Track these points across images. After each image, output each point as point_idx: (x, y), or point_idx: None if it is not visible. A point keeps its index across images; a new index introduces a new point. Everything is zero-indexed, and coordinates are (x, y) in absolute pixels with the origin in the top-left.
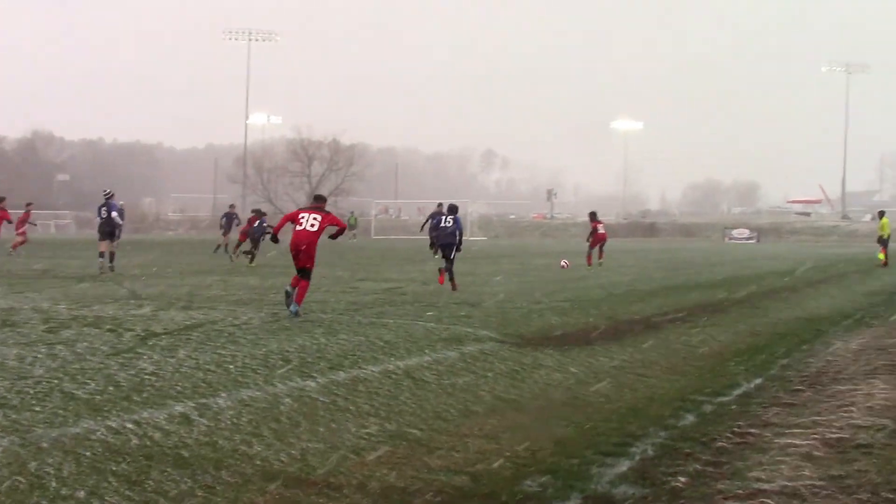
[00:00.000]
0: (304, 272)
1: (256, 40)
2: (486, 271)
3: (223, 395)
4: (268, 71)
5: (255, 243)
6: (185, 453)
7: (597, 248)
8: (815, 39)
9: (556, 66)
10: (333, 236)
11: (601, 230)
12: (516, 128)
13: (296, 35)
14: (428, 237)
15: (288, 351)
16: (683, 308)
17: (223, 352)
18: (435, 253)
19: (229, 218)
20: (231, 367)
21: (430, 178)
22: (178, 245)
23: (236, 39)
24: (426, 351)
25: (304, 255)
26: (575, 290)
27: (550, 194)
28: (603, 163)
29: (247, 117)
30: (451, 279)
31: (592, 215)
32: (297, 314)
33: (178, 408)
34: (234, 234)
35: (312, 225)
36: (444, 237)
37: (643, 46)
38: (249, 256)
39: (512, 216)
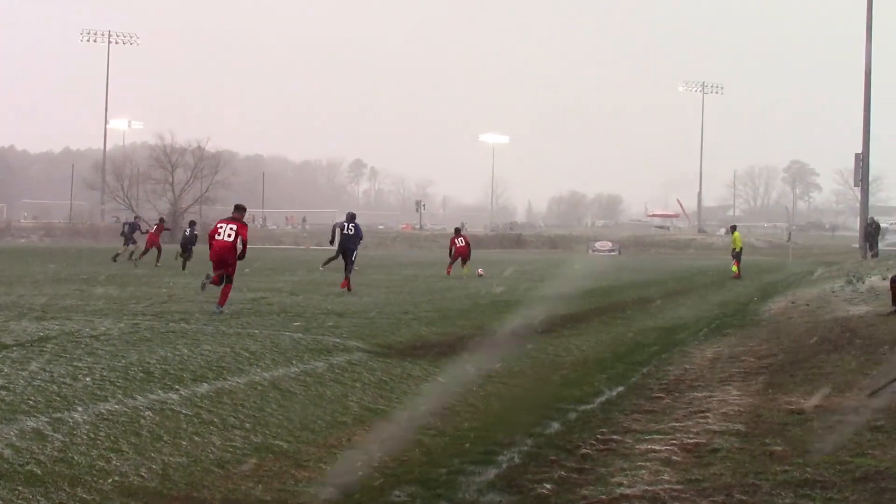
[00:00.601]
0: (226, 277)
1: (116, 42)
2: (355, 281)
3: (79, 409)
4: (129, 74)
5: (185, 249)
6: (38, 470)
7: (458, 260)
8: (674, 59)
9: (425, 78)
10: (240, 257)
11: (459, 243)
12: (385, 138)
13: (158, 38)
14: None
15: (149, 363)
16: (549, 318)
17: (80, 364)
18: (336, 257)
19: (132, 227)
20: (88, 379)
21: (299, 188)
22: (33, 253)
23: (95, 41)
24: (293, 362)
25: (223, 264)
26: (442, 300)
27: (419, 205)
28: (471, 175)
29: (106, 121)
30: (347, 279)
31: (456, 230)
32: (220, 313)
33: (31, 423)
34: (141, 244)
35: (229, 235)
36: (346, 242)
37: (509, 61)
38: (182, 261)
39: (381, 227)
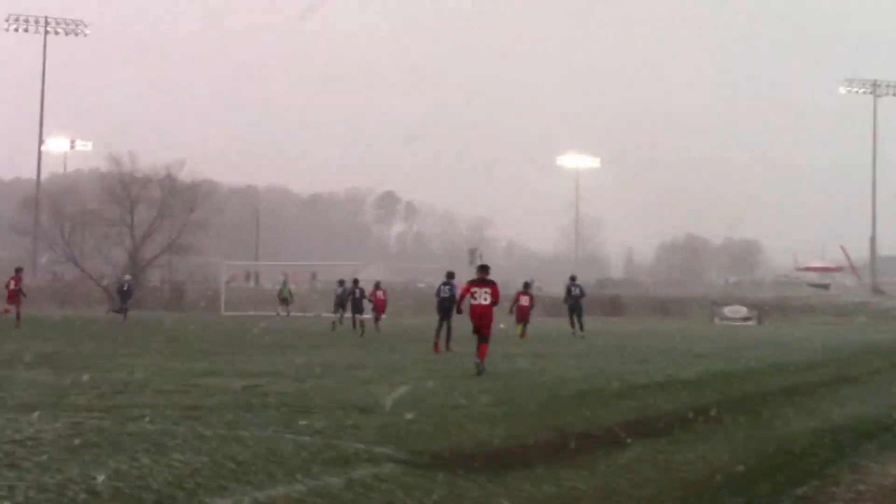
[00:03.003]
0: (484, 338)
1: (56, 32)
2: (385, 361)
3: None
4: (73, 76)
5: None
6: None
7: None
8: (830, 53)
9: (476, 84)
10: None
11: (523, 302)
12: (424, 165)
13: (113, 28)
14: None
15: (95, 479)
16: (658, 415)
17: None
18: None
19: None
20: None
21: (307, 230)
22: None
23: (26, 30)
24: (297, 476)
25: (483, 327)
26: (507, 388)
27: (474, 255)
28: (545, 213)
29: (41, 141)
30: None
31: (525, 285)
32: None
33: None
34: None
35: (485, 299)
36: (445, 304)
37: (598, 68)
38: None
39: (421, 285)
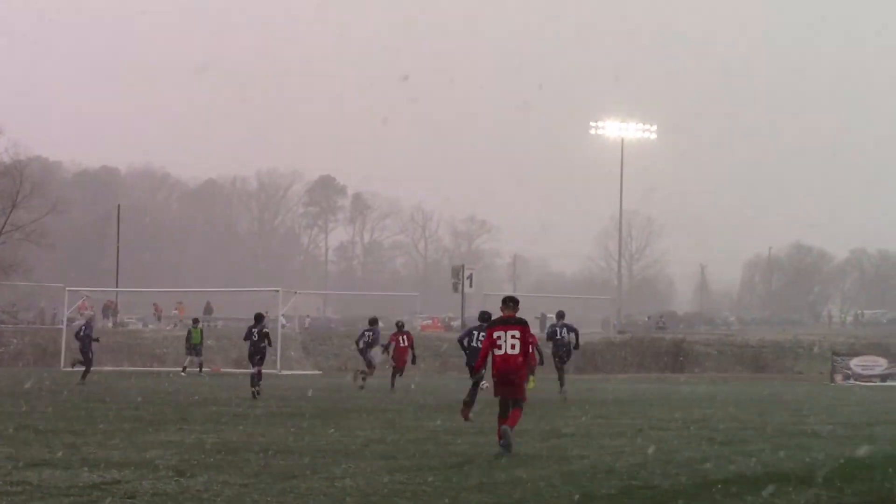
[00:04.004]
0: (515, 402)
1: None
2: (322, 442)
3: None
4: None
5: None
6: None
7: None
8: None
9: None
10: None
11: (402, 343)
12: (384, 142)
13: None
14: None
15: None
16: None
17: None
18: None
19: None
20: None
21: (196, 236)
22: None
23: None
24: None
25: (511, 385)
26: (515, 488)
27: (459, 275)
28: (572, 213)
29: None
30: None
31: (399, 326)
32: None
33: None
34: None
35: (513, 346)
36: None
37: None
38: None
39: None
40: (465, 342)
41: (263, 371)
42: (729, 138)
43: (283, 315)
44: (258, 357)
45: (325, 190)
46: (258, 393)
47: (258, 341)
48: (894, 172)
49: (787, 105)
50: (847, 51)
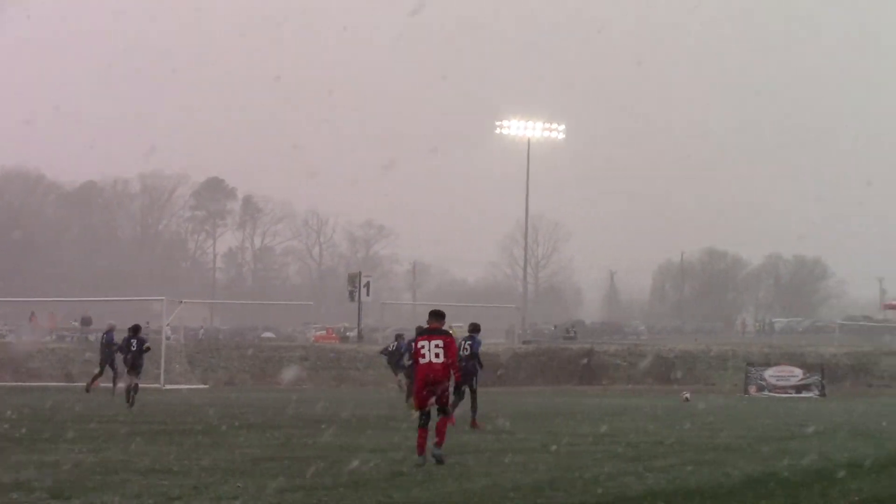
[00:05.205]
0: (441, 409)
1: None
2: (207, 461)
3: None
4: None
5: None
6: None
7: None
8: None
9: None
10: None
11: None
12: (275, 141)
13: None
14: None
15: None
16: None
17: None
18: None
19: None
20: None
21: (71, 241)
22: None
23: None
24: None
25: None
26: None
27: (356, 283)
28: (474, 215)
29: None
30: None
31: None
32: (441, 460)
33: None
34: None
35: (437, 355)
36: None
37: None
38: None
39: (268, 333)
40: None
41: (144, 385)
42: (640, 140)
43: (168, 325)
44: (134, 369)
45: (213, 193)
46: (132, 404)
47: (136, 352)
48: (812, 174)
49: (700, 105)
50: (756, 47)
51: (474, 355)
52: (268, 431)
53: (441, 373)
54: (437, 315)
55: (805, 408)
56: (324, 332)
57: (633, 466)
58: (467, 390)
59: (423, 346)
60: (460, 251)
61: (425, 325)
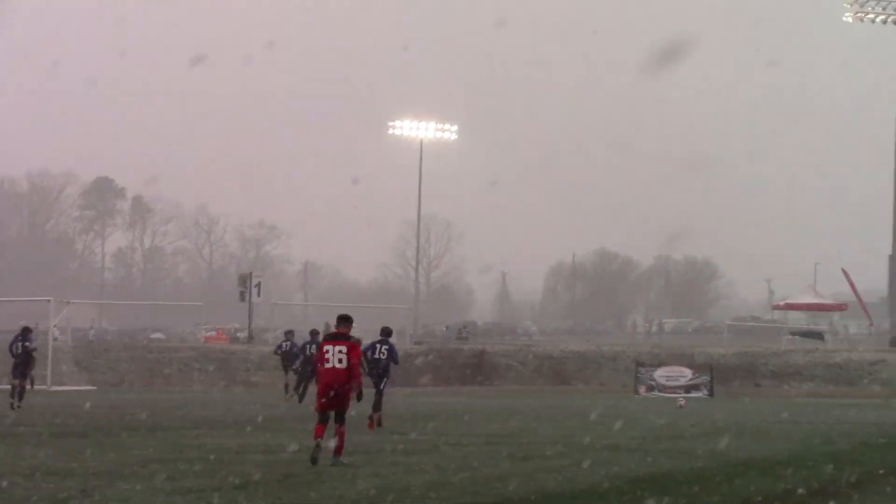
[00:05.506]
0: (338, 415)
1: None
2: (96, 465)
3: None
4: None
5: None
6: None
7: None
8: None
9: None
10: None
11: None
12: (165, 141)
13: None
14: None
15: None
16: None
17: None
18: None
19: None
20: None
21: None
22: None
23: None
24: None
25: (337, 399)
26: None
27: (247, 283)
28: (367, 218)
29: None
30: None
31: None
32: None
33: None
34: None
35: (340, 361)
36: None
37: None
38: None
39: (157, 334)
40: (369, 354)
41: (32, 387)
42: (533, 141)
43: (55, 326)
44: (22, 370)
45: (102, 192)
46: (18, 406)
47: (22, 356)
48: (701, 177)
49: (590, 106)
50: (632, 48)
51: (392, 357)
52: (157, 433)
53: (343, 378)
54: (344, 320)
55: (694, 408)
56: (214, 332)
57: (524, 467)
58: (382, 389)
59: (327, 351)
60: (353, 252)
61: (319, 329)
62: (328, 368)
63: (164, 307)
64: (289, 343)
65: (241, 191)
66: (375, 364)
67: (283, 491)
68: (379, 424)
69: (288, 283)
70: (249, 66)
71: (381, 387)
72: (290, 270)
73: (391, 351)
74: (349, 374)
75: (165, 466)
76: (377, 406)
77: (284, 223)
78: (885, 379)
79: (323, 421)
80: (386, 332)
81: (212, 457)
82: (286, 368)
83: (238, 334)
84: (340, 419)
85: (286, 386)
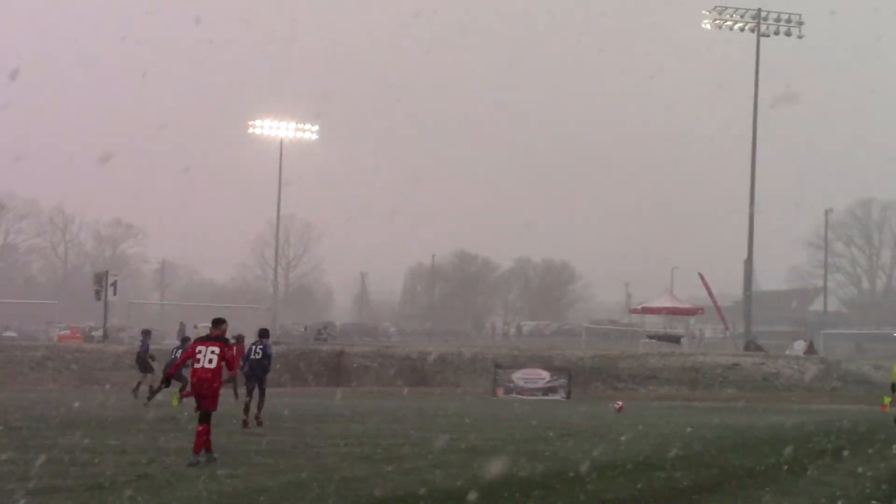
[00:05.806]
0: (204, 413)
1: None
2: None
3: None
4: None
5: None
6: None
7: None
8: None
9: None
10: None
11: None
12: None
13: None
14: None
15: None
16: None
17: None
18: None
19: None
20: None
21: None
22: None
23: None
24: None
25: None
26: None
27: (102, 282)
28: (225, 215)
29: None
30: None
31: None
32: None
33: None
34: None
35: (210, 361)
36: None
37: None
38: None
39: (9, 333)
40: (246, 355)
41: None
42: (393, 141)
43: None
44: None
45: None
46: None
47: None
48: (560, 181)
49: (455, 110)
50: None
51: (268, 357)
52: (10, 433)
53: (211, 377)
54: (217, 322)
55: (551, 410)
56: (68, 331)
57: (383, 468)
58: (257, 390)
59: (200, 351)
60: (211, 251)
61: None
62: (198, 368)
63: (17, 305)
64: (142, 341)
65: (98, 189)
66: (253, 365)
67: (138, 492)
68: (259, 424)
69: (145, 282)
70: (109, 60)
71: (264, 386)
72: (147, 269)
73: (266, 350)
74: (216, 373)
75: (15, 467)
76: (248, 407)
77: (141, 222)
78: (740, 382)
79: (206, 421)
80: (263, 334)
81: (65, 457)
82: (142, 368)
83: (93, 333)
84: (203, 417)
85: (138, 384)
